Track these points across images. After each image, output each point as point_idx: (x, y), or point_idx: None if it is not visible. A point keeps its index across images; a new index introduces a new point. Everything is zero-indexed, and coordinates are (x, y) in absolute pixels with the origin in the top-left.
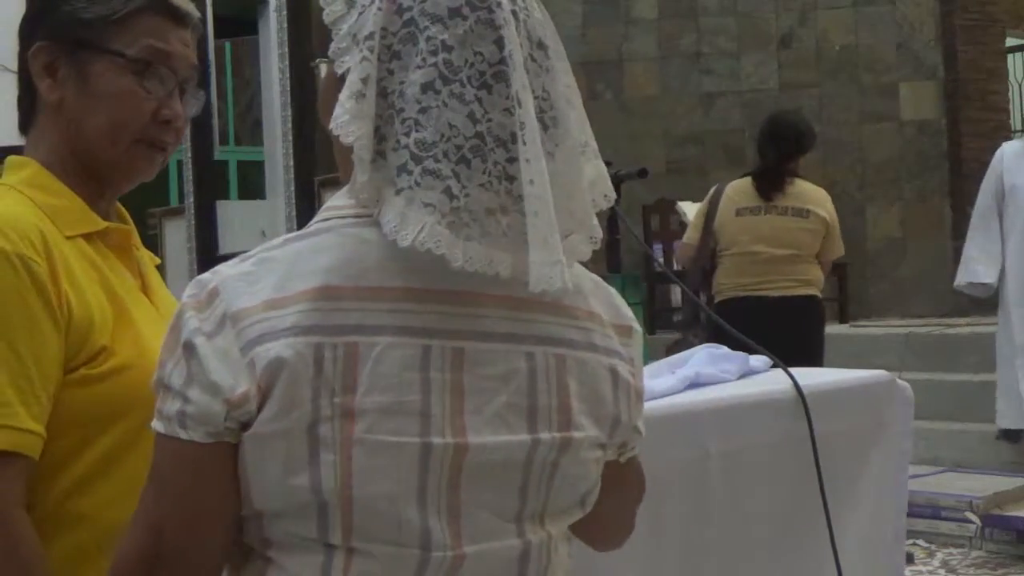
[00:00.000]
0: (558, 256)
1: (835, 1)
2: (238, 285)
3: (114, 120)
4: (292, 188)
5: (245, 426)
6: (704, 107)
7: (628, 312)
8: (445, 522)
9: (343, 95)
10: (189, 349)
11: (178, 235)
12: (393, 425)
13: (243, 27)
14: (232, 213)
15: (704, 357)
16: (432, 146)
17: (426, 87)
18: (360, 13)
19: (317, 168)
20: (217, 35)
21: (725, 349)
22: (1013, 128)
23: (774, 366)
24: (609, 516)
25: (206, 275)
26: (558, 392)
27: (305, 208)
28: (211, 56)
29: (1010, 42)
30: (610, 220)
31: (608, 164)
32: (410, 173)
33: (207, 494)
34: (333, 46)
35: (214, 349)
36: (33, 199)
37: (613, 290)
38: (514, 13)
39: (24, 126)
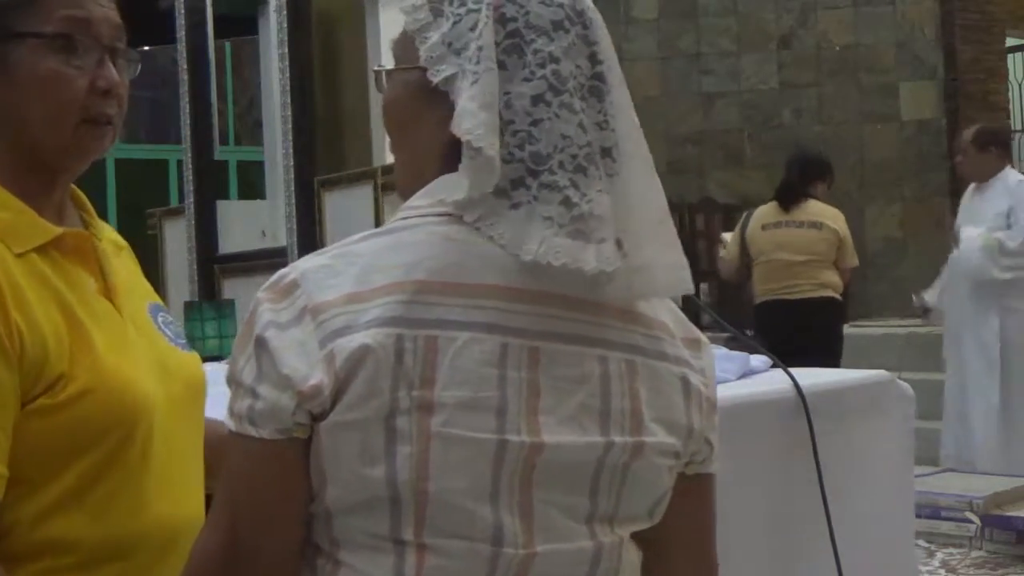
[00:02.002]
0: (683, 260)
1: (835, 1)
2: (319, 277)
3: (50, 106)
4: (292, 188)
5: (318, 418)
6: (704, 107)
7: (693, 325)
8: (517, 519)
9: (473, 105)
10: (261, 344)
11: (178, 235)
12: (470, 420)
13: (243, 27)
14: (232, 213)
15: None
16: (547, 158)
17: (536, 99)
18: (455, 22)
19: (317, 168)
20: (217, 35)
21: (724, 349)
22: (1013, 128)
23: (774, 366)
24: (678, 540)
25: (285, 268)
26: (630, 397)
27: (305, 208)
28: (211, 56)
29: (1010, 42)
30: None
31: None
32: (528, 188)
33: (278, 491)
34: (425, 54)
35: (288, 341)
36: None
37: (673, 303)
38: (604, 32)
39: None
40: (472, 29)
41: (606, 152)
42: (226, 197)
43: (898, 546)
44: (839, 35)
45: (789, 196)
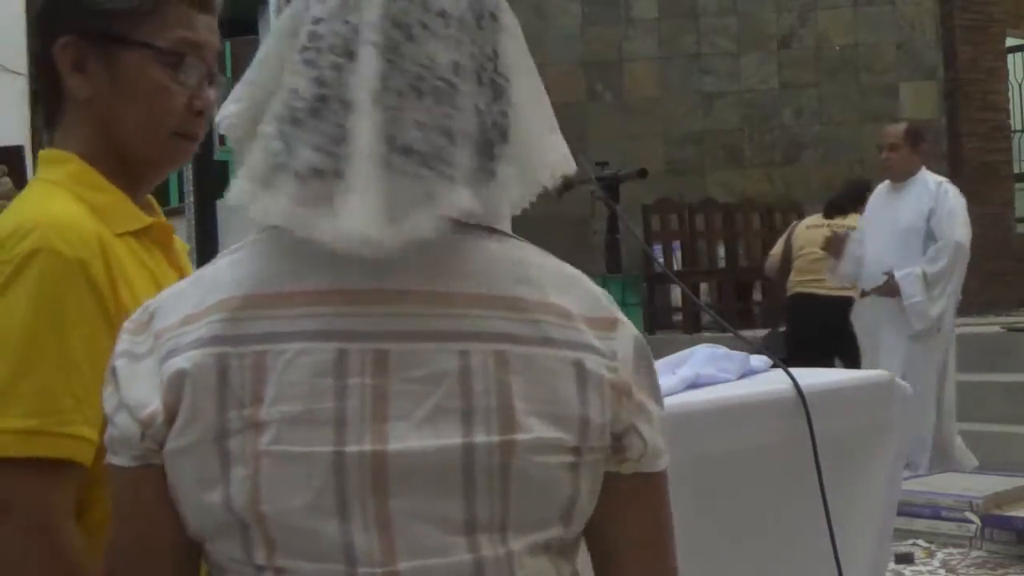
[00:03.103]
0: (385, 214)
1: (835, 1)
2: (168, 304)
3: (150, 115)
4: None
5: (162, 446)
6: (704, 107)
7: (609, 305)
8: (375, 536)
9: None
10: (112, 373)
11: (178, 235)
12: (302, 435)
13: (243, 27)
14: (232, 213)
15: (704, 357)
16: (273, 114)
17: (289, 62)
18: None
19: None
20: None
21: (724, 349)
22: (1013, 128)
23: (774, 366)
24: (626, 546)
25: (152, 299)
26: (497, 392)
27: None
28: None
29: (1010, 42)
30: (610, 220)
31: (607, 164)
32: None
33: (144, 519)
34: None
35: (136, 371)
36: (81, 196)
37: (593, 283)
38: None
39: (49, 120)
40: None
41: (339, 109)
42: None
43: (877, 544)
44: (839, 35)
45: (833, 210)
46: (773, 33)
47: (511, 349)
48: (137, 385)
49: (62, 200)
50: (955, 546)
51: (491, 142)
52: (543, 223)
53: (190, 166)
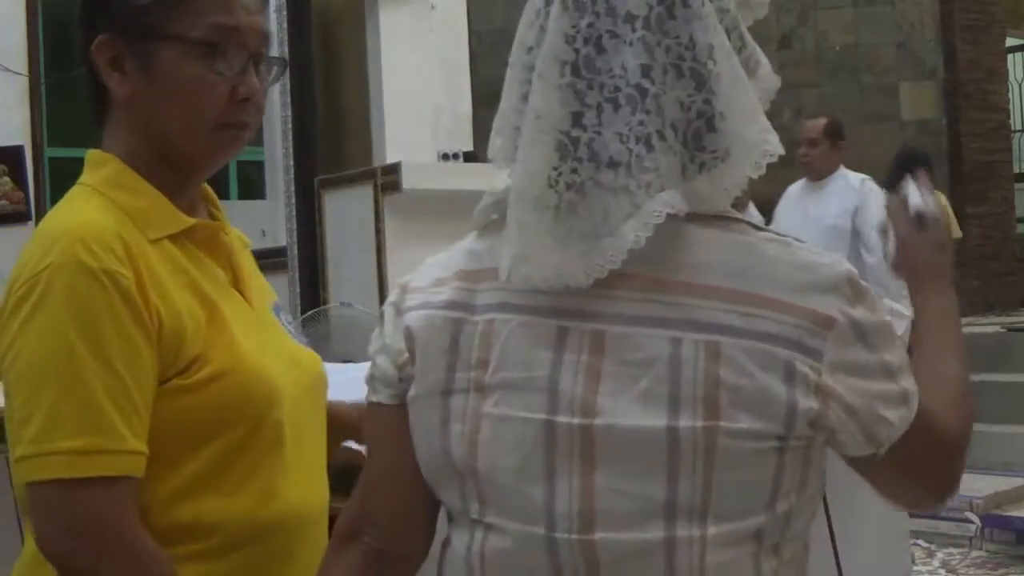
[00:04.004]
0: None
1: (835, 1)
2: (426, 267)
3: (191, 110)
4: (292, 188)
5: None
6: None
7: (839, 303)
8: (576, 504)
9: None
10: (381, 318)
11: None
12: (520, 401)
13: None
14: (232, 213)
15: None
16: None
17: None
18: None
19: (317, 168)
20: None
21: None
22: (1013, 128)
23: None
24: (899, 489)
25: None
26: (705, 381)
27: (305, 208)
28: None
29: (1010, 42)
30: None
31: None
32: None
33: (399, 451)
34: None
35: (397, 322)
36: (115, 201)
37: (832, 270)
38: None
39: (97, 120)
40: None
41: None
42: (226, 197)
43: (896, 546)
44: (839, 35)
45: (890, 184)
46: (773, 33)
47: (722, 340)
48: (395, 333)
49: (93, 207)
50: (955, 546)
51: (699, 133)
52: None
53: None
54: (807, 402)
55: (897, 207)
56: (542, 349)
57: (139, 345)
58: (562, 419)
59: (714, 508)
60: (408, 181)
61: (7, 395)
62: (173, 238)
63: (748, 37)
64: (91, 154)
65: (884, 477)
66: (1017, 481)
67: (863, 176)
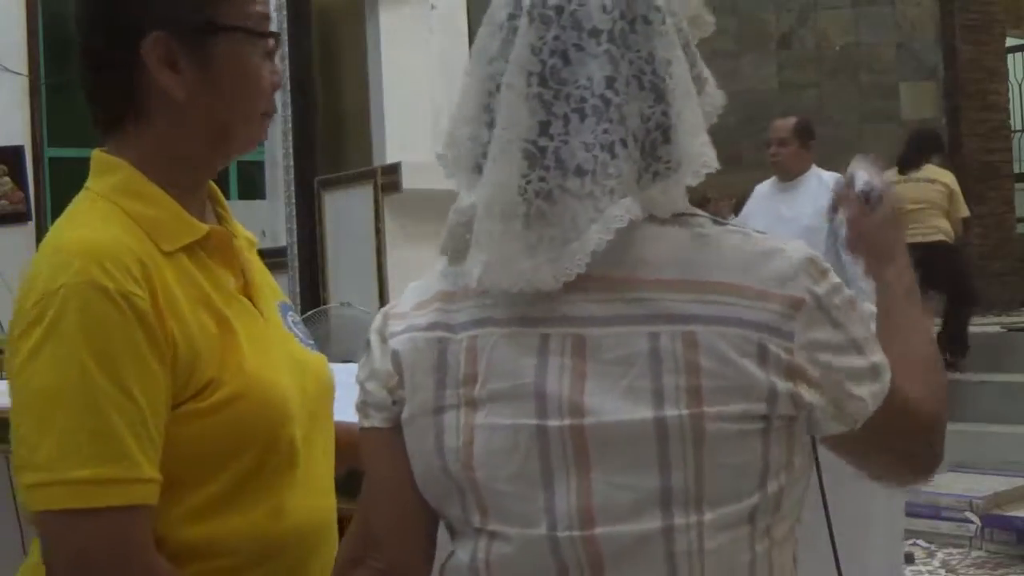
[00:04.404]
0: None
1: (835, 1)
2: (408, 292)
3: (250, 101)
4: (292, 188)
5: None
6: None
7: (805, 283)
8: (575, 503)
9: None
10: (367, 346)
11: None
12: (510, 409)
13: None
14: (232, 213)
15: None
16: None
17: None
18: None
19: (317, 168)
20: None
21: None
22: (1013, 128)
23: None
24: (882, 468)
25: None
26: (686, 372)
27: (305, 208)
28: None
29: (1010, 42)
30: None
31: None
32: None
33: (395, 474)
34: None
35: (383, 347)
36: (126, 210)
37: (795, 255)
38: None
39: (109, 123)
40: None
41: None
42: (226, 197)
43: (892, 546)
44: (839, 35)
45: (906, 164)
46: (773, 33)
47: (697, 329)
48: (383, 359)
49: (104, 219)
50: (955, 546)
51: (655, 143)
52: None
53: None
54: (783, 383)
55: (845, 188)
56: (526, 357)
57: (154, 369)
58: (552, 422)
59: (708, 493)
60: (408, 181)
61: (16, 417)
62: (187, 248)
63: (697, 54)
64: (98, 158)
65: (865, 456)
66: (1017, 481)
67: (837, 175)
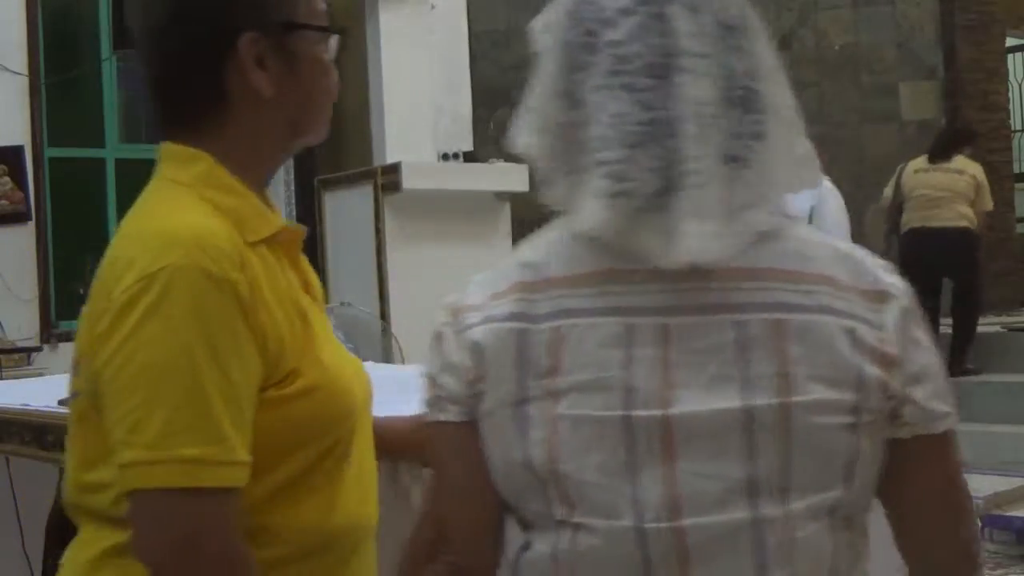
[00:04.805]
0: (713, 228)
1: (835, 1)
2: (476, 286)
3: (327, 96)
4: (292, 188)
5: (478, 406)
6: None
7: (888, 279)
8: (662, 494)
9: (526, 111)
10: (438, 339)
11: None
12: (595, 401)
13: None
14: None
15: None
16: (603, 139)
17: (598, 87)
18: (552, 37)
19: (317, 168)
20: None
21: None
22: (1013, 128)
23: None
24: (916, 510)
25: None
26: (776, 358)
27: (305, 208)
28: None
29: (1010, 42)
30: None
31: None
32: (589, 170)
33: (469, 469)
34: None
35: (457, 339)
36: (211, 201)
37: (870, 258)
38: (691, 6)
39: (185, 117)
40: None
41: (671, 127)
42: None
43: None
44: (839, 35)
45: (937, 155)
46: (773, 33)
47: (787, 317)
48: (457, 350)
49: (197, 208)
50: None
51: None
52: (543, 223)
53: None
54: (872, 369)
55: None
56: (610, 348)
57: (251, 354)
58: (638, 413)
59: (795, 483)
60: (408, 181)
61: (113, 398)
62: (266, 241)
63: None
64: (175, 149)
65: (910, 511)
66: (1017, 481)
67: (824, 178)
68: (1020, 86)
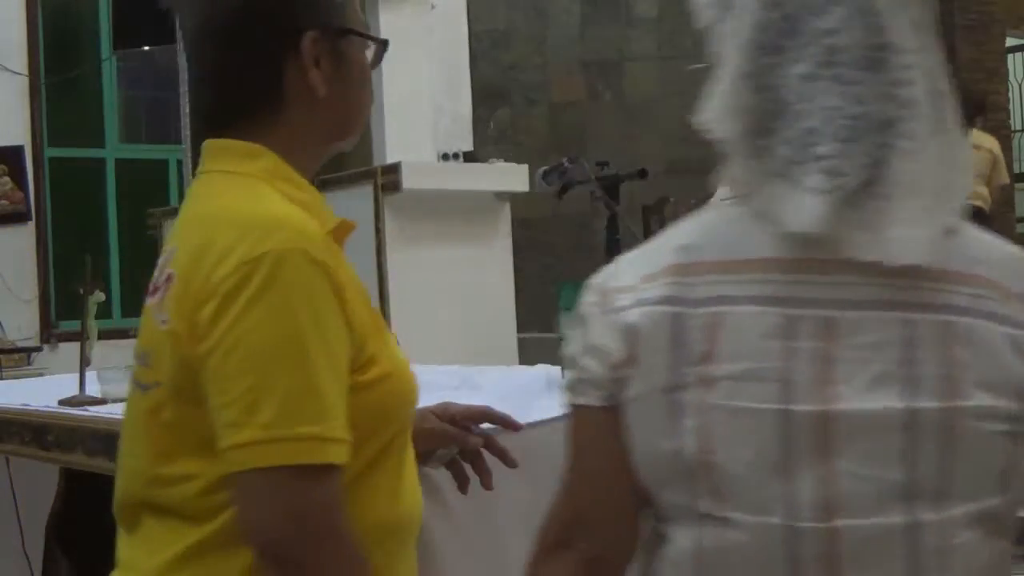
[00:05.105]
0: (920, 231)
1: None
2: (624, 266)
3: (367, 100)
4: None
5: (621, 391)
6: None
7: None
8: (818, 493)
9: (715, 91)
10: (581, 320)
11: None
12: (751, 391)
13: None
14: None
15: None
16: (813, 132)
17: (807, 77)
18: (740, 16)
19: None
20: None
21: None
22: (1013, 128)
23: None
24: None
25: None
26: (943, 360)
27: None
28: None
29: (1010, 42)
30: (610, 221)
31: (607, 164)
32: (800, 163)
33: (608, 454)
34: (709, 50)
35: (603, 321)
36: (285, 193)
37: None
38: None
39: (238, 113)
40: (740, 20)
41: (885, 124)
42: None
43: None
44: None
45: None
46: None
47: (955, 320)
48: (604, 333)
49: (277, 198)
50: None
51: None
52: (543, 223)
53: (190, 166)
54: None
55: None
56: (770, 339)
57: (347, 337)
58: (797, 408)
59: (953, 489)
60: (408, 181)
61: (224, 382)
62: (331, 233)
63: None
64: (235, 144)
65: None
66: None
67: None
68: (1020, 86)
